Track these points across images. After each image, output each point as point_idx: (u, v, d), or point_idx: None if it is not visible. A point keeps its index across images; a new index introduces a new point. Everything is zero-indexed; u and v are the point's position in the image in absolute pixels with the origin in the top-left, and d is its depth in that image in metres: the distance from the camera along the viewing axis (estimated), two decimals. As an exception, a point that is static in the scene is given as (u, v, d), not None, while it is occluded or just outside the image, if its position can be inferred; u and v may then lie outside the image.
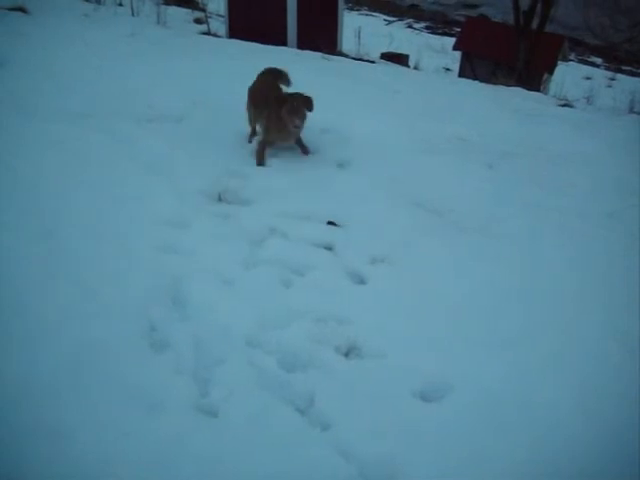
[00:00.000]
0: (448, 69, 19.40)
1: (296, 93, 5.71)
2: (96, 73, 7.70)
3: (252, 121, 6.15)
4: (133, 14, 15.72)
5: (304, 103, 5.57)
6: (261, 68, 6.31)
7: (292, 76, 6.31)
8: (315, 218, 4.82)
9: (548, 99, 10.74)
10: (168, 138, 5.95)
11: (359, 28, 16.95)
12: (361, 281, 4.19)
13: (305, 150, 5.93)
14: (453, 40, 19.99)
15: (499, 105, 8.23)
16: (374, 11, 31.66)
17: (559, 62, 17.20)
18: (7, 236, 4.23)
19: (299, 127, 5.63)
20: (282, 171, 5.56)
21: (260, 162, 5.69)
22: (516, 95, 9.53)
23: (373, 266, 4.32)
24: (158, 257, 4.23)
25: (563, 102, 10.42)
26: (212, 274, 4.11)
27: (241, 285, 4.04)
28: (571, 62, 23.81)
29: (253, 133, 6.18)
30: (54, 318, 3.58)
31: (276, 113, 5.63)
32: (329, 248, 4.51)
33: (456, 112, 7.62)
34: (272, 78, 6.22)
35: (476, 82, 10.90)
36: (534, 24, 16.25)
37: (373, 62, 14.24)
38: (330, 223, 4.78)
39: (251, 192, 5.14)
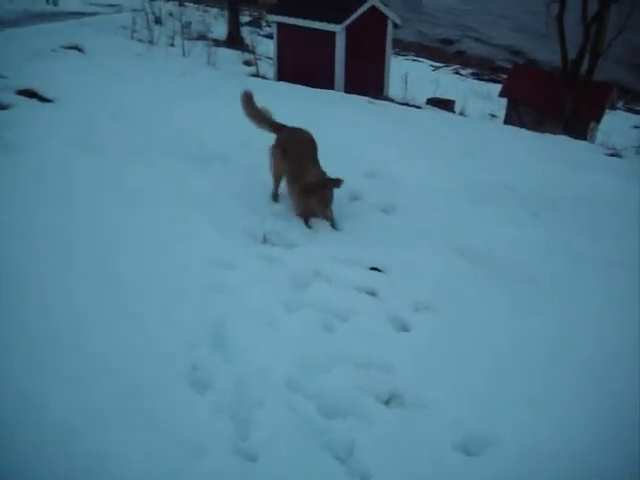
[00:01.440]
0: (494, 115, 19.37)
1: (328, 178, 5.29)
2: (148, 112, 7.89)
3: (277, 177, 5.77)
4: (184, 55, 16.15)
5: (335, 184, 5.23)
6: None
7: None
8: (359, 263, 4.82)
9: (595, 148, 10.67)
10: (216, 178, 6.05)
11: (406, 73, 17.10)
12: (404, 328, 4.16)
13: (334, 226, 5.41)
14: (499, 86, 19.97)
15: (545, 153, 8.19)
16: (421, 57, 31.93)
17: (606, 110, 17.05)
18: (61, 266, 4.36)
19: (330, 216, 5.37)
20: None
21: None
22: (563, 143, 9.49)
23: (416, 313, 4.29)
24: (203, 296, 4.29)
25: (611, 151, 10.34)
26: (255, 315, 4.13)
27: (283, 328, 4.04)
28: (618, 110, 23.61)
29: (277, 192, 5.83)
30: (104, 352, 3.66)
31: (305, 195, 5.23)
32: (372, 294, 4.49)
33: (502, 159, 7.60)
34: (312, 143, 5.69)
35: (522, 130, 10.87)
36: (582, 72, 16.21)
37: (419, 107, 14.34)
38: (373, 269, 4.77)
39: (295, 235, 5.18)
